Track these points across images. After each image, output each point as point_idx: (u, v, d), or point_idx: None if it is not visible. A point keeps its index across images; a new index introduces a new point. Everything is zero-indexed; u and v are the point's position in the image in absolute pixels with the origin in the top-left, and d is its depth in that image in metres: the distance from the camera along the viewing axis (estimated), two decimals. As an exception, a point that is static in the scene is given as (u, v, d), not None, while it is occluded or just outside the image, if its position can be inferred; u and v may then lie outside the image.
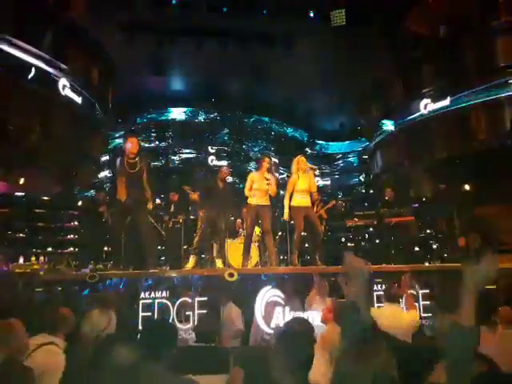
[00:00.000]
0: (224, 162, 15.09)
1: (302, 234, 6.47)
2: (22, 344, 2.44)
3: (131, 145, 5.61)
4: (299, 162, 6.24)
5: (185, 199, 8.01)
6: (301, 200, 6.13)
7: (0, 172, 8.77)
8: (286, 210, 6.15)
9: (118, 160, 5.67)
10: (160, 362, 2.04)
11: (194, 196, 6.85)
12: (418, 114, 11.28)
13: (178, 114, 15.59)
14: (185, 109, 15.57)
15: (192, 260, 6.42)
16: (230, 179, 9.33)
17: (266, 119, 16.53)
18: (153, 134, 15.33)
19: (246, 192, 6.25)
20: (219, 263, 6.38)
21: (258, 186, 6.16)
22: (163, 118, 15.50)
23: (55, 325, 2.92)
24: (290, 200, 6.16)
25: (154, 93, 14.37)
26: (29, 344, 2.56)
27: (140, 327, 4.61)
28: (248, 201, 6.29)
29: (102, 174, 14.26)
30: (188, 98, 15.06)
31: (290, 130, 17.13)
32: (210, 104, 15.36)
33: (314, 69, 12.70)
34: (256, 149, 16.05)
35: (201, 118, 15.69)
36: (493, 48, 10.09)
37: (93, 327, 2.89)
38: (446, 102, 10.59)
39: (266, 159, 6.36)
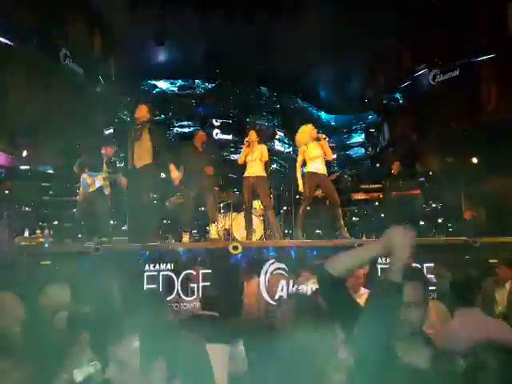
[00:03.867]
0: (229, 136, 14.94)
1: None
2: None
3: (138, 111, 5.54)
4: (306, 130, 6.06)
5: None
6: (315, 167, 5.85)
7: (3, 144, 8.73)
8: (300, 182, 5.96)
9: (130, 130, 5.61)
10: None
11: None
12: (426, 85, 11.02)
13: (178, 85, 15.27)
14: (187, 80, 15.26)
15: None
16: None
17: (268, 91, 16.21)
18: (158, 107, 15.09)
19: (240, 161, 6.24)
20: (213, 231, 6.39)
21: (250, 158, 6.13)
22: (164, 89, 15.21)
23: None
24: (303, 169, 6.00)
25: (155, 64, 14.09)
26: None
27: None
28: (244, 174, 6.24)
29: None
30: (190, 69, 14.75)
31: (296, 103, 16.83)
32: (212, 75, 15.05)
33: (321, 39, 12.34)
34: (262, 121, 15.81)
35: (202, 89, 15.37)
36: (507, 16, 9.71)
37: (50, 301, 2.91)
38: (456, 72, 10.31)
39: (252, 132, 6.30)
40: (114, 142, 6.61)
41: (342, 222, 5.93)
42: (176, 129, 14.98)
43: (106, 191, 6.11)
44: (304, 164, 6.03)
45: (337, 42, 12.25)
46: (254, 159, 6.14)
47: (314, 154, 5.90)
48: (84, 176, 6.04)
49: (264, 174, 6.21)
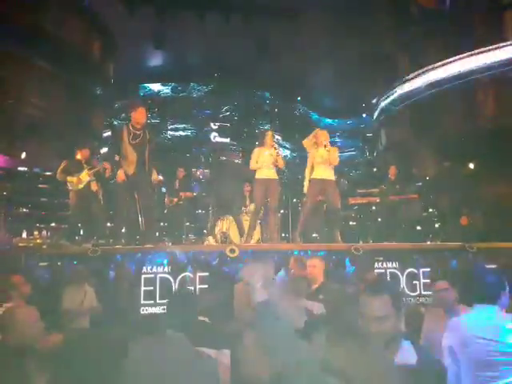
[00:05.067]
0: (227, 140, 14.93)
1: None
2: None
3: (139, 114, 5.42)
4: (318, 135, 6.06)
5: (190, 176, 8.06)
6: (320, 172, 5.86)
7: (1, 146, 8.73)
8: (306, 183, 5.97)
9: (125, 130, 5.45)
10: None
11: None
12: (423, 90, 11.07)
13: (176, 88, 15.23)
14: (184, 83, 15.23)
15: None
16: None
17: (268, 95, 16.24)
18: (152, 110, 15.07)
19: (253, 166, 6.16)
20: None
21: (264, 160, 6.06)
22: (161, 92, 15.21)
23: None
24: (311, 173, 5.99)
25: (154, 67, 14.11)
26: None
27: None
28: (256, 176, 6.15)
29: (104, 150, 14.15)
30: (189, 73, 14.76)
31: (294, 107, 16.86)
32: (212, 79, 15.06)
33: (318, 43, 12.41)
34: (260, 125, 15.82)
35: (200, 92, 15.36)
36: (502, 22, 9.81)
37: (70, 302, 2.88)
38: (454, 77, 10.36)
39: (269, 133, 6.27)
40: (86, 144, 6.75)
41: (338, 229, 5.96)
42: (170, 132, 14.96)
43: (94, 187, 6.26)
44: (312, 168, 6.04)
45: (333, 46, 12.33)
46: (269, 162, 6.09)
47: (321, 159, 5.90)
48: (68, 179, 6.17)
49: (277, 176, 6.19)
